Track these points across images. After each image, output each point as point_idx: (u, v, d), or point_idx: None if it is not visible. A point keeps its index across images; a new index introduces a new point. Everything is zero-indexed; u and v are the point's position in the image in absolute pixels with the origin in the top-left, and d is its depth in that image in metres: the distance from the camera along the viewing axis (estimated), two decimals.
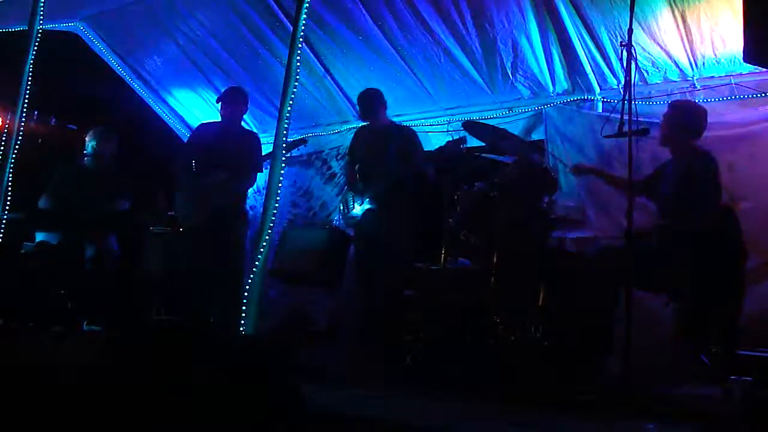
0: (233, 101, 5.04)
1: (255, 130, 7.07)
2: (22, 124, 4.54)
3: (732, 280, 3.65)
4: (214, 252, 4.76)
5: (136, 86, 7.19)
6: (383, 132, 4.89)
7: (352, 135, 5.33)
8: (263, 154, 5.03)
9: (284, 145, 3.67)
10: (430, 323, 4.15)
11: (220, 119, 5.14)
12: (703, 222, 3.49)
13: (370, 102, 4.97)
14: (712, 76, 4.77)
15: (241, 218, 5.07)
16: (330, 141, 6.72)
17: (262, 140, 6.81)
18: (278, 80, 3.93)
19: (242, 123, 5.32)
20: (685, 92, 4.88)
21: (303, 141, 5.53)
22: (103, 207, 5.23)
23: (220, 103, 5.08)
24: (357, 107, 5.15)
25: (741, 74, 4.63)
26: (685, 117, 3.80)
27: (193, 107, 7.20)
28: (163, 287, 5.48)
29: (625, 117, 3.26)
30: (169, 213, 5.29)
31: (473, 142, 5.21)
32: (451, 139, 4.50)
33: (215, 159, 4.86)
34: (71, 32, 6.71)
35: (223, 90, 5.35)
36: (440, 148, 4.65)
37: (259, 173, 5.13)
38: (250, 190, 5.43)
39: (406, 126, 5.16)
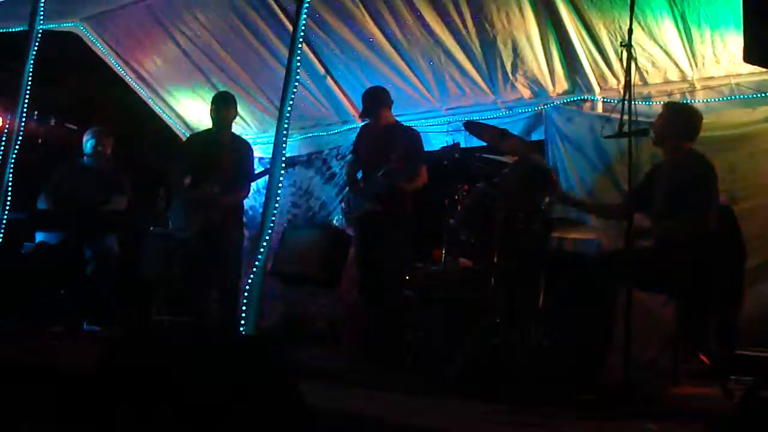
0: (224, 105, 5.02)
1: (255, 131, 7.12)
2: (22, 124, 4.54)
3: (732, 280, 3.65)
4: (211, 257, 4.76)
5: (136, 86, 7.19)
6: (387, 132, 4.86)
7: (357, 133, 5.31)
8: (258, 171, 5.06)
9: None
10: (430, 323, 4.15)
11: (211, 126, 5.13)
12: (698, 224, 3.48)
13: (372, 100, 4.92)
14: (712, 76, 4.77)
15: (237, 226, 5.05)
16: (330, 141, 6.72)
17: (262, 140, 6.86)
18: (278, 80, 3.93)
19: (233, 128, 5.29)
20: (685, 92, 4.88)
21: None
22: (101, 206, 5.24)
23: (211, 108, 5.06)
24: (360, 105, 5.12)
25: (741, 74, 4.63)
26: (679, 119, 3.79)
27: (193, 107, 7.21)
28: (162, 287, 5.48)
29: (625, 117, 3.26)
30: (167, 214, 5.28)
31: (473, 142, 5.21)
32: (446, 144, 4.50)
33: (208, 172, 4.84)
34: (71, 32, 6.71)
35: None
36: (435, 153, 4.66)
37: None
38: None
39: (411, 127, 5.14)
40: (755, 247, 4.00)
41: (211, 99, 5.19)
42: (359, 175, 4.99)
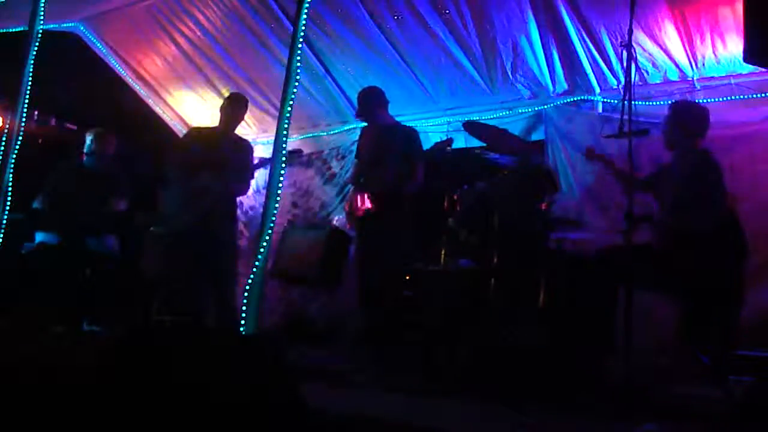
0: (238, 106, 5.04)
1: (255, 131, 7.11)
2: (22, 124, 4.54)
3: (733, 280, 3.65)
4: (202, 251, 4.77)
5: (136, 86, 7.19)
6: (386, 132, 4.88)
7: (358, 134, 5.31)
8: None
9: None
10: (430, 323, 4.15)
11: (216, 124, 5.13)
12: (706, 223, 3.48)
13: (367, 101, 4.95)
14: (712, 76, 4.77)
15: (229, 218, 5.06)
16: (330, 141, 6.72)
17: (262, 141, 6.86)
18: (278, 80, 3.93)
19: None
20: (685, 92, 4.88)
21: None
22: (101, 207, 5.23)
23: (224, 104, 5.07)
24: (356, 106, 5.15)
25: (741, 74, 4.63)
26: (686, 118, 3.79)
27: (193, 107, 7.20)
28: (162, 287, 5.48)
29: (625, 117, 3.26)
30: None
31: (473, 142, 5.21)
32: (439, 140, 4.51)
33: (205, 162, 4.84)
34: (71, 32, 6.71)
35: (228, 94, 5.35)
36: (427, 150, 4.66)
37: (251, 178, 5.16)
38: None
39: (410, 126, 5.16)
40: (755, 247, 4.00)
41: (210, 98, 5.19)
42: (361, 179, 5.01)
